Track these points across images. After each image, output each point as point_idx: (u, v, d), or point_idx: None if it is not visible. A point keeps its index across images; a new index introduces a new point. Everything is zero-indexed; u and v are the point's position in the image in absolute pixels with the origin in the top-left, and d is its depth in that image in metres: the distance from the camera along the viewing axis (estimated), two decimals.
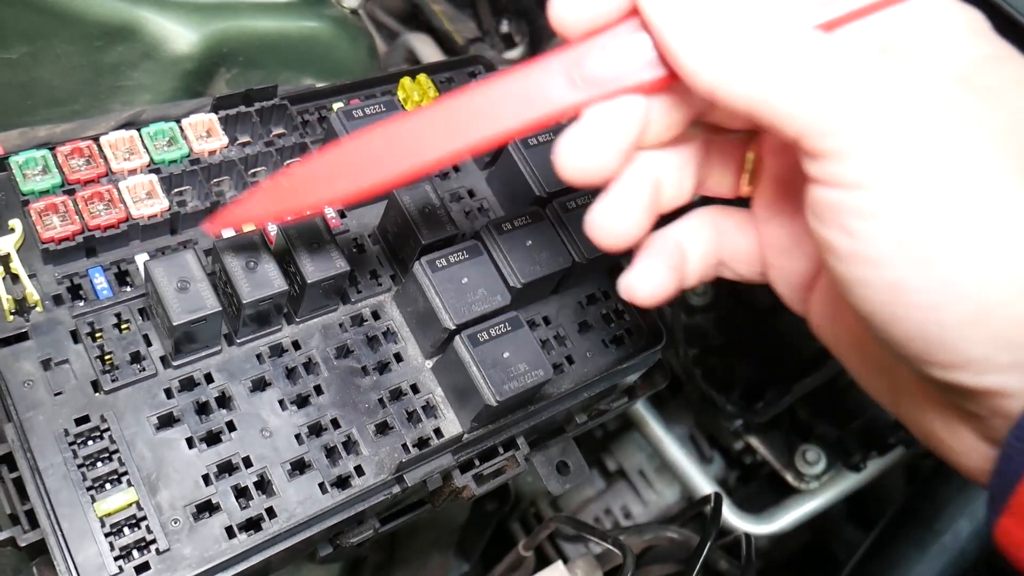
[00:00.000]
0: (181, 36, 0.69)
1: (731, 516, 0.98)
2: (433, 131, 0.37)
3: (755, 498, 1.12)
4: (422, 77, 0.65)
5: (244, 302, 0.48)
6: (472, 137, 0.36)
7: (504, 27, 1.13)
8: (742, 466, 1.14)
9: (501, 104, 0.36)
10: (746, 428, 0.98)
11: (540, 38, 1.08)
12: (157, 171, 0.54)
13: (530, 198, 0.60)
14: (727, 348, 0.98)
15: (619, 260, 0.63)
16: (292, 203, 0.41)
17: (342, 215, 0.59)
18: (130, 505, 0.46)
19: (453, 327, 0.52)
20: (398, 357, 0.55)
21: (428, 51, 1.15)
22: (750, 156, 0.42)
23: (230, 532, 0.47)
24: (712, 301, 1.00)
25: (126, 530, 0.45)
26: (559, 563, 0.73)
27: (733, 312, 0.96)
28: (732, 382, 0.97)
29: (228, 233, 0.55)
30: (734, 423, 0.95)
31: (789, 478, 0.98)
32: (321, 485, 0.50)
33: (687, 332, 1.01)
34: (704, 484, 1.00)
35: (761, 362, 0.93)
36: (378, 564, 0.87)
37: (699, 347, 1.00)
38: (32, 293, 0.49)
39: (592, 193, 0.60)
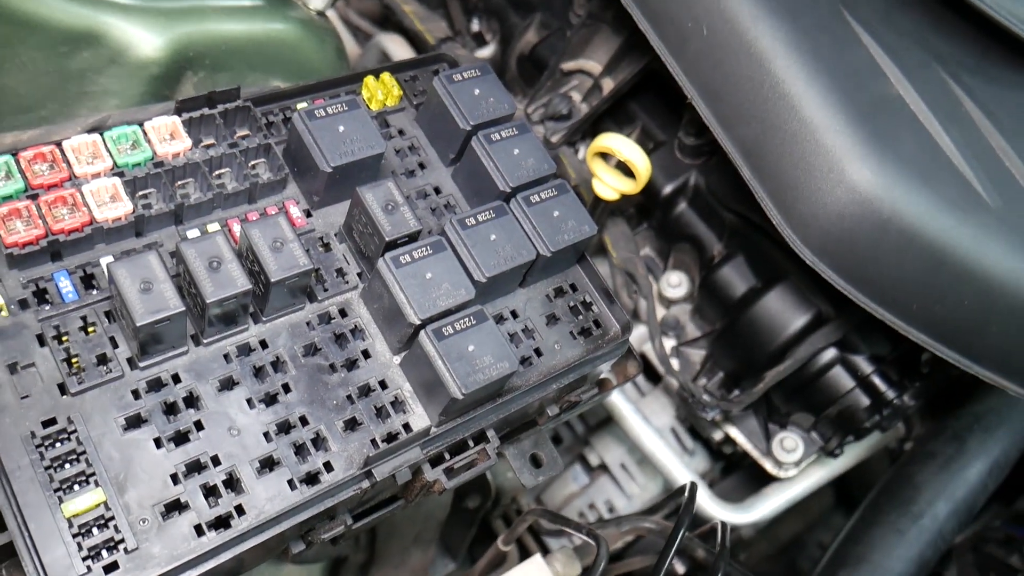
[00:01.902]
0: (146, 41, 0.69)
1: (712, 506, 0.99)
2: None
3: (738, 488, 1.13)
4: (386, 76, 0.66)
5: (208, 302, 0.49)
6: None
7: (475, 26, 1.14)
8: (723, 457, 1.14)
9: None
10: (724, 418, 0.99)
11: (510, 36, 1.08)
12: (121, 174, 0.54)
13: (495, 193, 0.61)
14: (703, 339, 0.99)
15: (585, 251, 0.63)
16: None
17: (308, 214, 0.59)
18: (98, 505, 0.46)
19: (418, 322, 0.53)
20: (366, 354, 0.56)
21: (400, 51, 1.15)
22: None
23: (199, 530, 0.47)
24: (688, 293, 1.00)
25: (94, 530, 0.46)
26: (537, 556, 0.74)
27: (708, 303, 0.97)
28: (709, 372, 0.98)
29: (193, 234, 0.56)
30: (711, 413, 0.95)
31: (768, 466, 0.98)
32: (290, 482, 0.50)
33: (664, 324, 1.01)
34: (684, 476, 1.00)
35: (736, 352, 0.94)
36: (360, 564, 0.87)
37: (676, 339, 1.01)
38: None
39: (556, 188, 0.61)
